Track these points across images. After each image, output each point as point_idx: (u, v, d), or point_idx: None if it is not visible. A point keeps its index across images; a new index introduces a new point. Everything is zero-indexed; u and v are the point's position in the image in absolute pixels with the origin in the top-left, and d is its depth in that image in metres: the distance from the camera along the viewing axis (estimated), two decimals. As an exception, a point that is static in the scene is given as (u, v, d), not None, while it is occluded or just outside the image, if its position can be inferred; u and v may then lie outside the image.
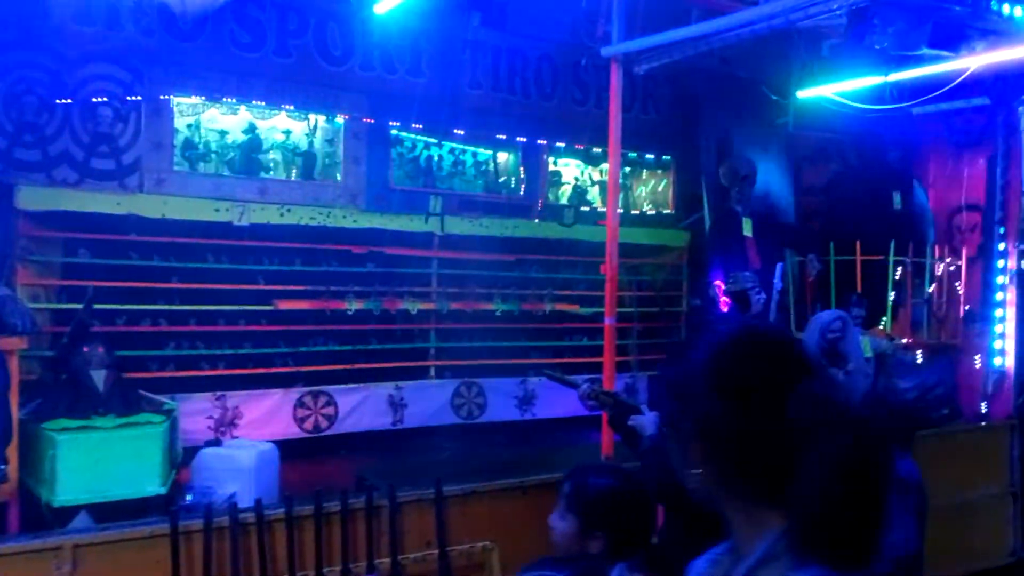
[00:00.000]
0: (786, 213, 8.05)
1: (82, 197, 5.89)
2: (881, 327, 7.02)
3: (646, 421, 2.82)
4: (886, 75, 5.69)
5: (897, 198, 7.55)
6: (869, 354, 5.84)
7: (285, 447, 5.73)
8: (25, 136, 5.76)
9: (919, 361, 7.04)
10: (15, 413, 4.29)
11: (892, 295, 7.12)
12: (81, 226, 5.95)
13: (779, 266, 6.23)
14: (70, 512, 4.33)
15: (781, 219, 7.77)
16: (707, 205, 7.87)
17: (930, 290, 7.35)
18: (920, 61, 5.31)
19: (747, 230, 6.81)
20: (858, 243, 7.08)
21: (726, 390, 1.09)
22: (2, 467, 3.86)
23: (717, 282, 6.41)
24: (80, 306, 5.32)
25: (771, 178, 7.86)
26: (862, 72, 5.80)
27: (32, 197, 5.70)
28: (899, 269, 7.20)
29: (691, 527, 2.59)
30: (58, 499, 4.34)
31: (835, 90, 6.22)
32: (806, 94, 6.50)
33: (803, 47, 5.77)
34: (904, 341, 7.04)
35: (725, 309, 6.40)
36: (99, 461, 4.45)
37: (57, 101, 5.83)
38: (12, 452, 4.07)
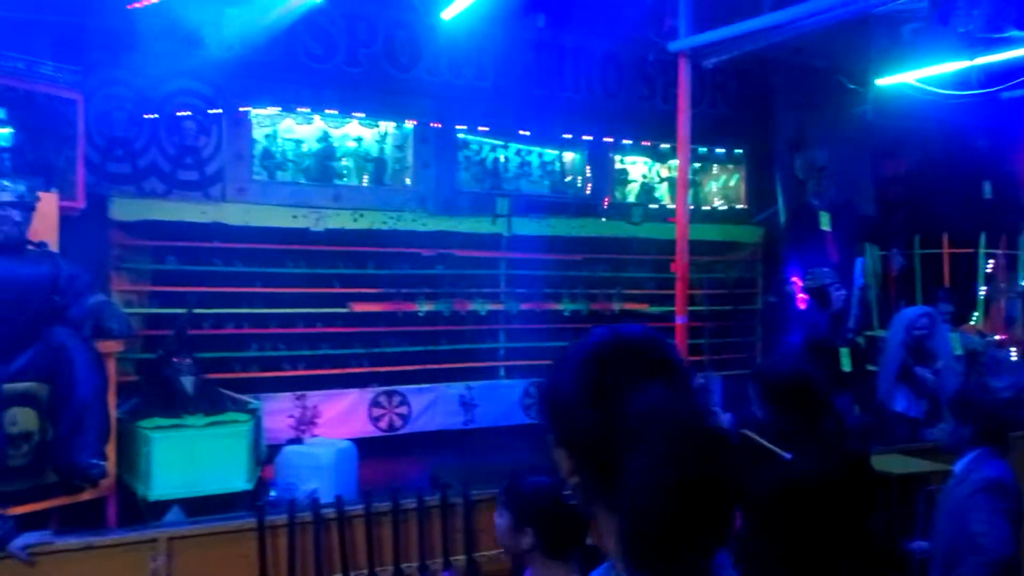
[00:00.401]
0: (866, 205, 7.74)
1: (170, 207, 6.21)
2: (972, 323, 6.67)
3: (721, 423, 2.79)
4: (972, 59, 5.40)
5: (987, 187, 7.16)
6: (960, 352, 5.55)
7: (361, 445, 5.87)
8: (116, 150, 6.11)
9: (1014, 358, 6.65)
10: (113, 412, 4.54)
11: (983, 289, 6.75)
12: (169, 234, 6.27)
13: (859, 261, 6.01)
14: (164, 506, 4.56)
15: (861, 212, 7.47)
16: (782, 199, 7.66)
17: (1025, 283, 6.94)
18: (1008, 44, 5.02)
19: (825, 224, 6.56)
20: (945, 235, 6.75)
21: (583, 395, 1.02)
22: (102, 463, 4.09)
23: (794, 279, 6.22)
24: (182, 311, 5.61)
25: (849, 169, 7.57)
26: (946, 57, 5.52)
27: (124, 208, 6.04)
28: (991, 262, 6.82)
29: (774, 530, 2.53)
30: (153, 494, 4.58)
31: (917, 76, 5.95)
32: (886, 81, 6.24)
33: (882, 33, 5.54)
34: (997, 338, 6.66)
35: (803, 306, 6.20)
36: (190, 458, 4.67)
37: (144, 116, 6.16)
38: (110, 449, 4.31)
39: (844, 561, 2.52)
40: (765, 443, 2.60)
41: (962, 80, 5.85)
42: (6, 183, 3.89)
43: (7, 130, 4.61)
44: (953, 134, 7.51)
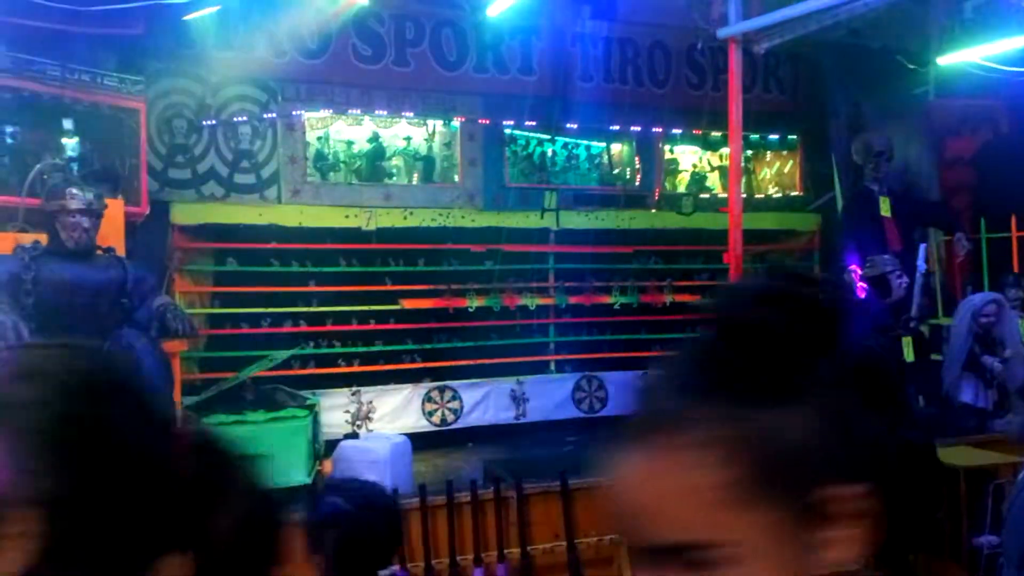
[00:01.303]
0: (929, 189, 7.46)
1: (228, 210, 6.41)
2: (1043, 309, 6.37)
3: None
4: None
5: (1058, 166, 6.80)
6: (1030, 339, 5.32)
7: (415, 439, 5.97)
8: (177, 157, 6.33)
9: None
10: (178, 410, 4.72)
11: (1056, 274, 6.44)
12: (228, 236, 6.48)
13: (922, 247, 5.80)
14: (228, 499, 4.72)
15: (923, 196, 7.21)
16: (839, 185, 7.44)
17: (1102, 267, 6.58)
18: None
19: (885, 210, 6.36)
20: (1013, 217, 6.45)
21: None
22: (170, 458, 4.25)
23: (853, 267, 6.05)
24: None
25: (910, 152, 7.31)
26: (1011, 32, 5.27)
27: (184, 212, 6.26)
28: (1064, 245, 6.50)
29: None
30: (217, 487, 4.75)
31: (981, 54, 5.70)
32: (947, 60, 5.99)
33: (942, 10, 5.33)
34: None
35: (863, 295, 6.03)
36: (251, 452, 4.82)
37: (203, 123, 6.36)
38: (177, 444, 4.48)
39: (910, 556, 2.45)
40: None
41: (1030, 56, 5.59)
42: (75, 191, 4.06)
43: (74, 140, 4.83)
44: (1020, 112, 7.18)
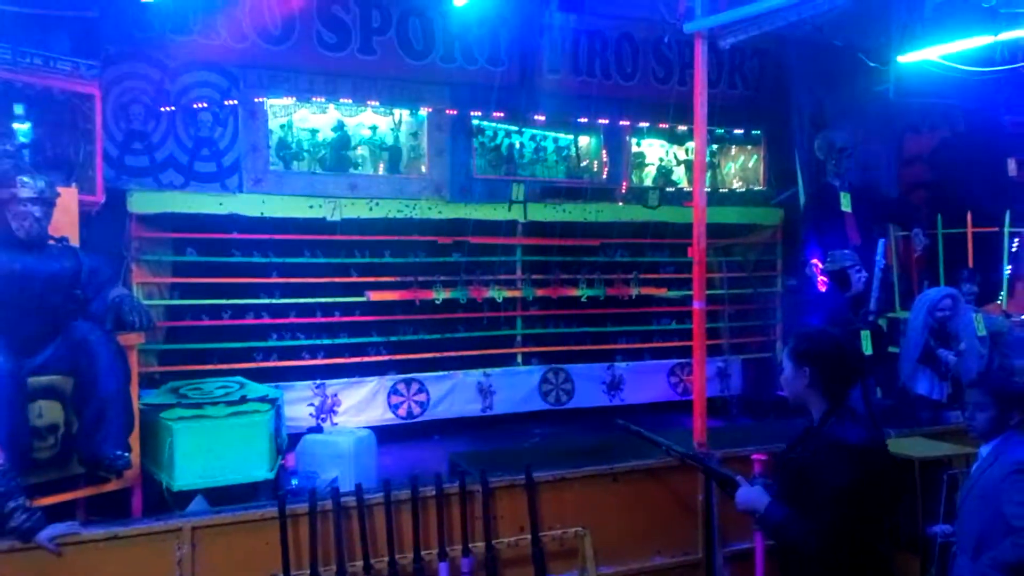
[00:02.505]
0: (888, 185, 7.62)
1: (188, 199, 6.26)
2: (996, 303, 6.56)
3: (754, 497, 2.47)
4: (996, 34, 5.28)
5: (1012, 164, 7.02)
6: (983, 333, 5.47)
7: (381, 432, 5.93)
8: (134, 144, 6.17)
9: (1040, 339, 6.53)
10: (136, 404, 4.60)
11: (1008, 269, 6.63)
12: (188, 226, 6.33)
13: (881, 242, 5.91)
14: (187, 496, 4.63)
15: (882, 192, 7.37)
16: (801, 180, 7.56)
17: (1052, 263, 6.80)
18: (1035, 16, 4.89)
19: (845, 205, 6.48)
20: (969, 214, 6.62)
21: None
22: (126, 454, 4.15)
23: (814, 261, 6.15)
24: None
25: (870, 149, 7.46)
26: (970, 32, 5.40)
27: (142, 201, 6.10)
28: (1015, 241, 6.69)
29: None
30: (177, 484, 4.65)
31: (940, 53, 5.83)
32: (908, 59, 6.11)
33: (903, 9, 5.43)
34: (1022, 318, 6.55)
35: (823, 289, 6.13)
36: (212, 448, 4.73)
37: (162, 109, 6.20)
38: (134, 440, 4.38)
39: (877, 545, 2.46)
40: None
41: (986, 56, 5.73)
42: (26, 179, 3.93)
43: (26, 126, 4.67)
44: (977, 111, 7.35)
